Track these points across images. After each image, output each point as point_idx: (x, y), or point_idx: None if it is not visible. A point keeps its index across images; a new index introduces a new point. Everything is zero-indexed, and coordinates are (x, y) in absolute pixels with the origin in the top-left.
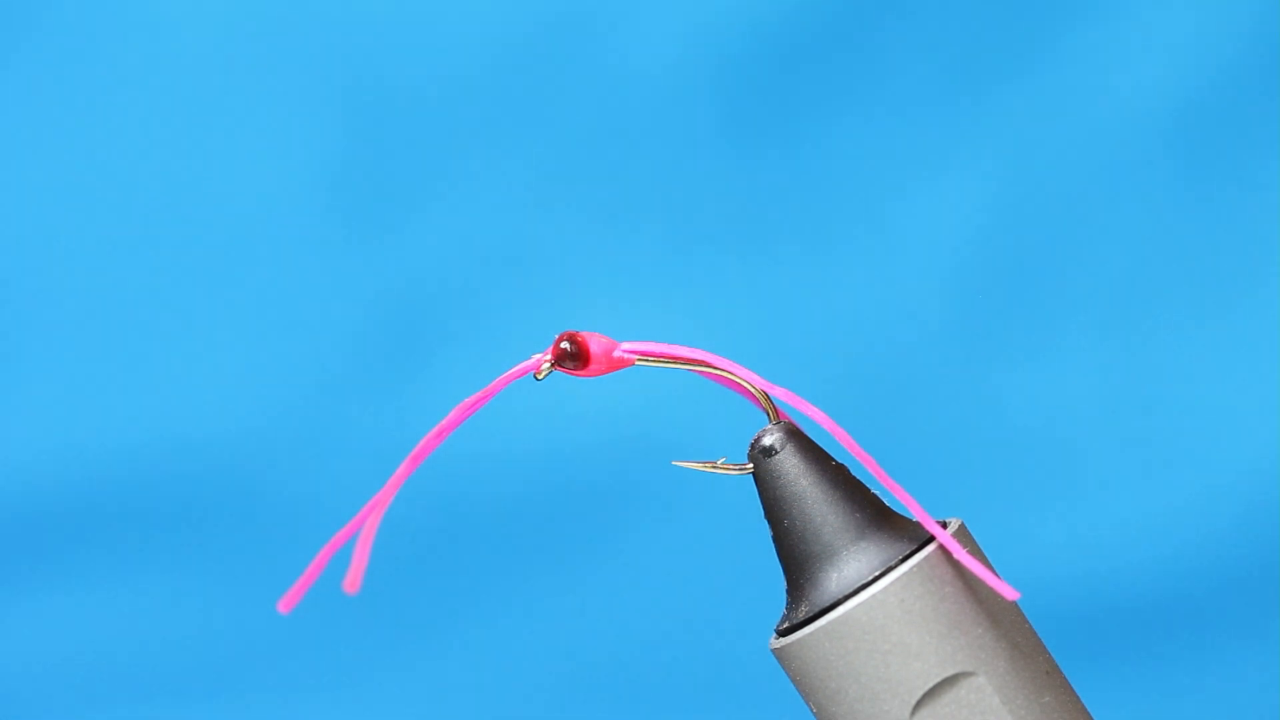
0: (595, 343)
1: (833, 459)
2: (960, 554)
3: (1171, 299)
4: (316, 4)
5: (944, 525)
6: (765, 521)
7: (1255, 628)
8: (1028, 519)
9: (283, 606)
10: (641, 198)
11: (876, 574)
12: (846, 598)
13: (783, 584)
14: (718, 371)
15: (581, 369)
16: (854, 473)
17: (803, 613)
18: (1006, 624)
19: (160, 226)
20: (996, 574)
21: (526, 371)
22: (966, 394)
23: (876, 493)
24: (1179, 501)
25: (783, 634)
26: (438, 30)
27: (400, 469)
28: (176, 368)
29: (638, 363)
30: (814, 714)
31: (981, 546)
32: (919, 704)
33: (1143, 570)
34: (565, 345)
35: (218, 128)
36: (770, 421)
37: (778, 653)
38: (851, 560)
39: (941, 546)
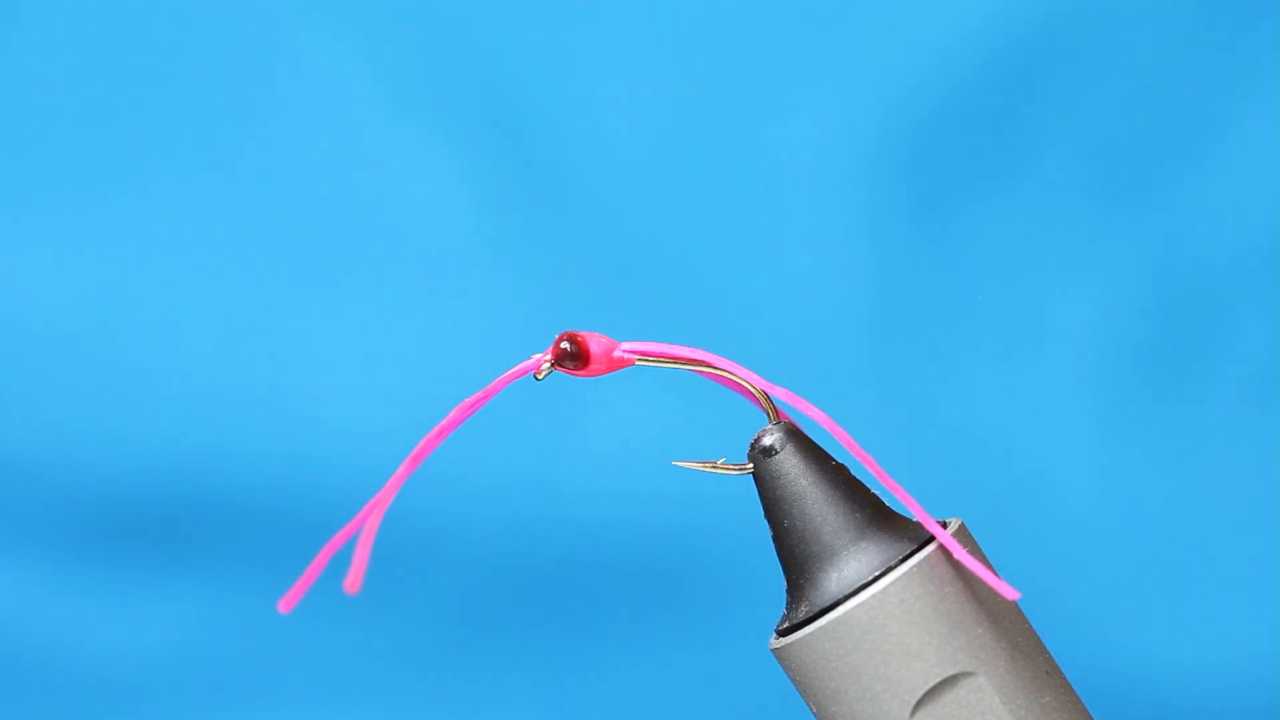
0: (595, 342)
1: (833, 459)
2: (960, 554)
3: None
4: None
5: (944, 525)
6: (765, 521)
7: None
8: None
9: (283, 606)
10: (780, 296)
11: (876, 574)
12: (846, 598)
13: (782, 584)
14: (718, 371)
15: (581, 369)
16: (854, 473)
17: (803, 613)
18: (1006, 624)
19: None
20: (996, 574)
21: (526, 371)
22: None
23: (876, 493)
24: None
25: (783, 634)
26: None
27: (400, 469)
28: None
29: (638, 363)
30: (814, 714)
31: (981, 547)
32: (919, 704)
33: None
34: (565, 345)
35: (386, 145)
36: (770, 421)
37: (778, 653)
38: (851, 560)
39: (941, 546)
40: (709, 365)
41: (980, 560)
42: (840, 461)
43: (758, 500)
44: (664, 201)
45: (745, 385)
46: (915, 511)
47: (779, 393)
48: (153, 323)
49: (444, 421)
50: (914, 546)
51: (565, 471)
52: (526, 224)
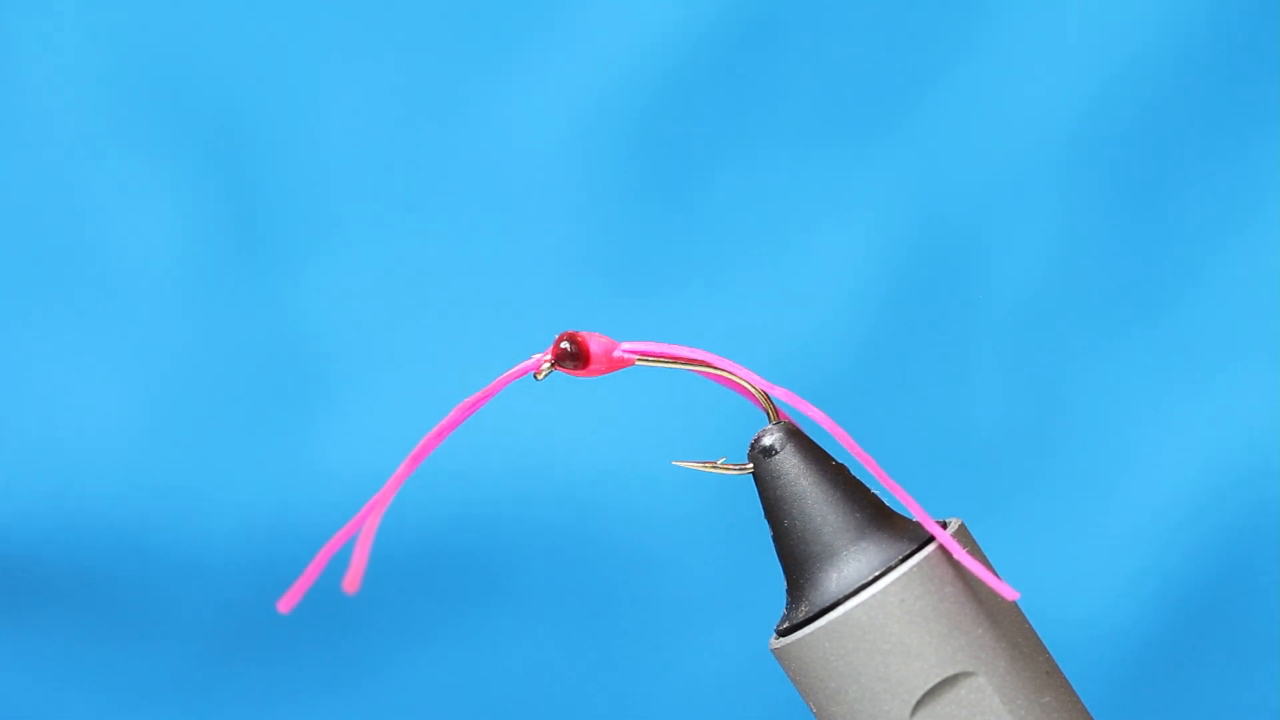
0: (595, 342)
1: (833, 459)
2: (960, 554)
3: (1082, 315)
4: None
5: (944, 525)
6: (765, 521)
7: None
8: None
9: (282, 606)
10: (530, 254)
11: (876, 574)
12: (846, 598)
13: (783, 584)
14: (718, 371)
15: (581, 369)
16: (854, 473)
17: (803, 613)
18: (1006, 624)
19: (35, 282)
20: (996, 574)
21: (526, 371)
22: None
23: (876, 493)
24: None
25: (783, 634)
26: (317, 98)
27: (400, 468)
28: (51, 425)
29: (638, 363)
30: (814, 714)
31: (981, 547)
32: (919, 704)
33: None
34: (565, 345)
35: (95, 180)
36: (770, 421)
37: (778, 653)
38: (851, 560)
39: (941, 546)
40: (709, 365)
41: (980, 560)
42: (840, 461)
43: (758, 500)
44: (391, 212)
45: (745, 385)
46: (915, 511)
47: (779, 393)
48: None
49: (444, 421)
50: (914, 546)
51: (566, 471)
52: (237, 237)
